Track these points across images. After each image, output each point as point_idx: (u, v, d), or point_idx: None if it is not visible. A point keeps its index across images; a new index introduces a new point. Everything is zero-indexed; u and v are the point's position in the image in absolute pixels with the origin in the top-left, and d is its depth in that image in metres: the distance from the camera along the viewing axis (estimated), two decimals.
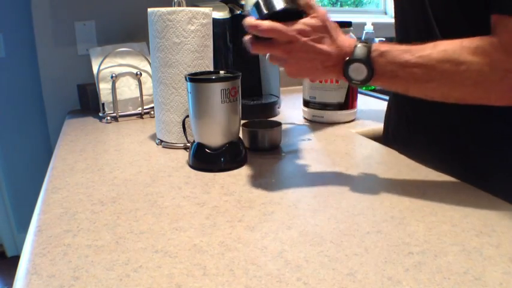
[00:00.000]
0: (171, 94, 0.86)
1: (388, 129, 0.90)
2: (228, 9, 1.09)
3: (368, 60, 0.58)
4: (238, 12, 1.05)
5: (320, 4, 2.08)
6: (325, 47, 0.59)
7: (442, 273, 0.44)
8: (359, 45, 0.59)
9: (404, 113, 0.81)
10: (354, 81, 0.59)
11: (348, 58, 0.59)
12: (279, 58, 0.61)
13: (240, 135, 0.81)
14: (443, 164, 0.71)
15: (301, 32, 0.58)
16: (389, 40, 1.82)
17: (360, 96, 1.24)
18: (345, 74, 0.60)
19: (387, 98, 1.37)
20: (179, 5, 0.86)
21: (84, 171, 0.76)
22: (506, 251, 0.48)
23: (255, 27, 0.58)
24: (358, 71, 0.58)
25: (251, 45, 0.61)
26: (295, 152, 0.84)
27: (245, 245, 0.50)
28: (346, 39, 0.61)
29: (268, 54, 0.63)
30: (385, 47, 0.58)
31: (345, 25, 1.03)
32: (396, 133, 0.85)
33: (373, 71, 0.58)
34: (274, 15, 0.58)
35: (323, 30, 0.59)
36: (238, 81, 0.75)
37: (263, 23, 0.57)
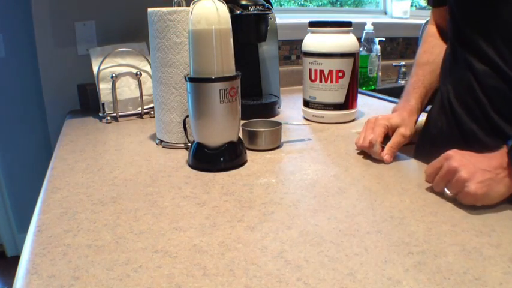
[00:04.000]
0: (171, 94, 0.86)
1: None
2: (228, 9, 1.09)
3: None
4: (238, 12, 1.05)
5: (320, 4, 2.08)
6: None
7: (442, 273, 0.44)
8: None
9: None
10: None
11: None
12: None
13: (240, 135, 0.81)
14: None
15: (454, 151, 0.61)
16: (389, 40, 1.82)
17: (360, 96, 1.24)
18: None
19: (387, 98, 1.37)
20: (179, 5, 0.86)
21: (84, 171, 0.76)
22: (506, 251, 0.48)
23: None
24: None
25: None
26: (295, 152, 0.84)
27: (245, 245, 0.50)
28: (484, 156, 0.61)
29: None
30: None
31: (345, 25, 1.03)
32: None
33: None
34: None
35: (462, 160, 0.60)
36: (238, 81, 0.75)
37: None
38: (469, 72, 0.71)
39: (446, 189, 0.62)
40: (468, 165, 0.58)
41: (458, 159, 0.59)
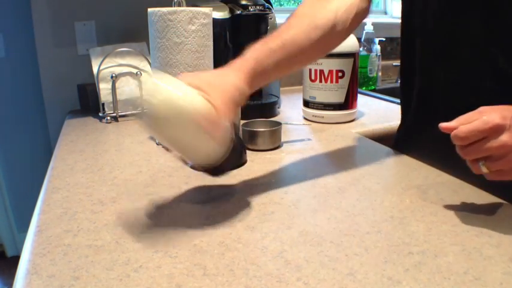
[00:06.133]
0: None
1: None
2: (228, 9, 1.09)
3: None
4: (238, 12, 1.05)
5: None
6: None
7: (442, 273, 0.44)
8: None
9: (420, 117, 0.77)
10: None
11: None
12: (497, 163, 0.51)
13: (240, 135, 0.81)
14: (445, 162, 0.70)
15: (504, 119, 0.50)
16: (389, 40, 1.82)
17: (360, 96, 1.24)
18: None
19: (387, 98, 1.37)
20: (179, 5, 0.86)
21: (84, 171, 0.76)
22: (506, 251, 0.48)
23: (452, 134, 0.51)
24: None
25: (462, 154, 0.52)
26: (295, 152, 0.84)
27: (245, 245, 0.50)
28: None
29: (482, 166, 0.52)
30: None
31: None
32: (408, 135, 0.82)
33: None
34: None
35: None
36: None
37: (459, 130, 0.50)
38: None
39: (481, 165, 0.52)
40: None
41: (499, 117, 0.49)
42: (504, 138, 0.49)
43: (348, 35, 0.73)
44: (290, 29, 0.65)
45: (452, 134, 0.51)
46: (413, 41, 0.76)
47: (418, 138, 0.80)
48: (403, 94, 0.82)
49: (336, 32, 0.68)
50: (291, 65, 0.65)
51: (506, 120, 0.50)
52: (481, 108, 0.52)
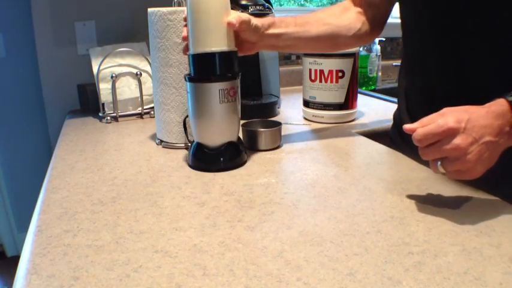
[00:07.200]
0: (171, 94, 0.86)
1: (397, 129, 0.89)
2: None
3: None
4: (238, 12, 1.05)
5: (319, 4, 2.08)
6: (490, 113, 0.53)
7: (442, 273, 0.44)
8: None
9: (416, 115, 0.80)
10: None
11: None
12: (454, 164, 0.54)
13: (240, 135, 0.81)
14: None
15: (457, 122, 0.52)
16: (389, 40, 1.82)
17: (360, 96, 1.24)
18: None
19: (387, 98, 1.37)
20: (179, 5, 0.87)
21: (84, 171, 0.76)
22: (506, 251, 0.48)
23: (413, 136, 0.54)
24: None
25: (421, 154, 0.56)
26: (295, 152, 0.84)
27: (245, 245, 0.50)
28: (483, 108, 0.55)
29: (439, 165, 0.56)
30: None
31: None
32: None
33: None
34: None
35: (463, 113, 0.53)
36: (237, 82, 0.75)
37: (416, 133, 0.54)
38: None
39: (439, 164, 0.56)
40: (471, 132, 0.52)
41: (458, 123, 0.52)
42: (457, 141, 0.52)
43: (351, 46, 0.92)
44: (304, 18, 0.82)
45: (412, 136, 0.54)
46: (413, 40, 0.77)
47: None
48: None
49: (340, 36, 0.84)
50: (298, 41, 0.81)
51: (461, 123, 0.52)
52: (444, 110, 0.54)
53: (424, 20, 0.71)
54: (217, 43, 0.71)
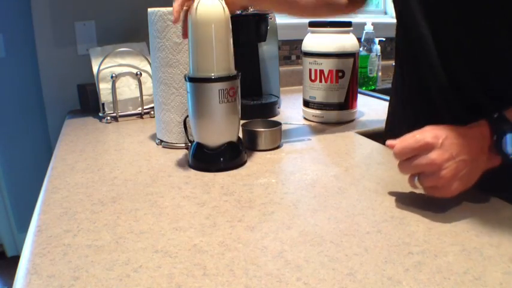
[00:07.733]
0: (171, 94, 0.86)
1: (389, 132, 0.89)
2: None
3: None
4: (238, 12, 1.05)
5: None
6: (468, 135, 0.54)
7: (442, 273, 0.44)
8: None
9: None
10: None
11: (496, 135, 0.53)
12: (429, 179, 0.55)
13: (240, 135, 0.81)
14: None
15: (435, 137, 0.53)
16: (389, 40, 1.82)
17: (360, 96, 1.24)
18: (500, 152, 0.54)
19: (387, 98, 1.37)
20: None
21: (84, 171, 0.76)
22: (506, 251, 0.48)
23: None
24: None
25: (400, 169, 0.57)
26: (295, 152, 0.84)
27: (245, 245, 0.50)
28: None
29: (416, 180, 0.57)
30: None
31: (345, 25, 1.03)
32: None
33: None
34: None
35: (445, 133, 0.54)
36: (237, 82, 0.75)
37: (395, 147, 0.56)
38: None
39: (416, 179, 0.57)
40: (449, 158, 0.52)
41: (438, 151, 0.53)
42: (432, 156, 0.53)
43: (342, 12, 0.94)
44: None
45: (393, 150, 0.56)
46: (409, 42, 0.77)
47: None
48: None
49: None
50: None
51: (438, 139, 0.53)
52: (425, 127, 0.56)
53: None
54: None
